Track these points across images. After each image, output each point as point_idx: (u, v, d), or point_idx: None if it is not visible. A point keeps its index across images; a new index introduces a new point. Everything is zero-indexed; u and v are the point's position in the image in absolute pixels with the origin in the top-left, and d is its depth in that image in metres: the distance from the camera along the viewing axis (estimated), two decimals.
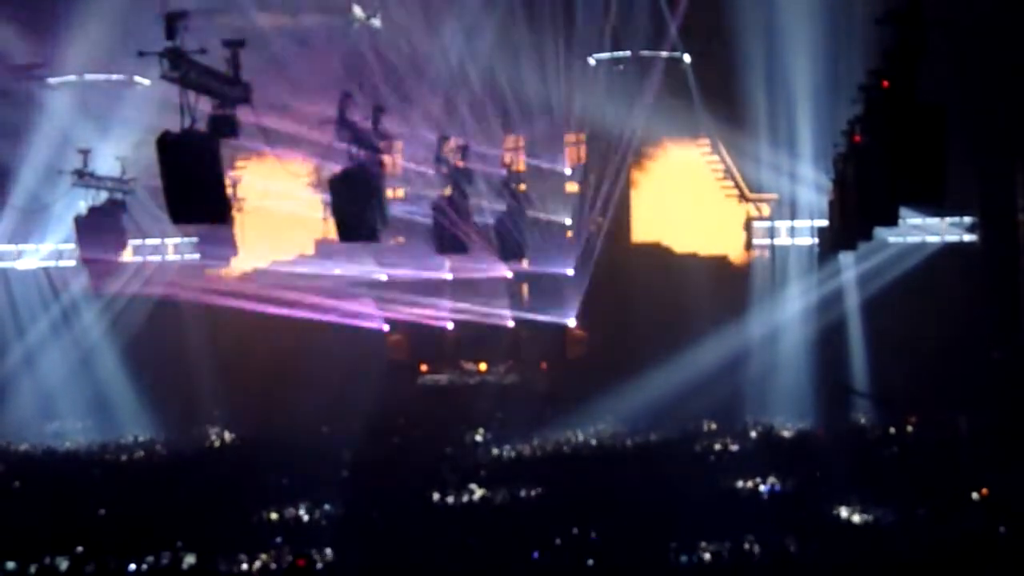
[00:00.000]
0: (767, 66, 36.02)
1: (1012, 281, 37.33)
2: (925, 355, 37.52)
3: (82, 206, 29.98)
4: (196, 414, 39.46)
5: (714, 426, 37.37)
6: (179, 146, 17.39)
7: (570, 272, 39.47)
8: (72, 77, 35.31)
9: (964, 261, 39.77)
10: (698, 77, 38.74)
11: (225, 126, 18.38)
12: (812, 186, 37.40)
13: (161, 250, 41.58)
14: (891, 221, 19.70)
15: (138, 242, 38.62)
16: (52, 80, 35.42)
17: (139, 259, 40.65)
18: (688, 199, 41.98)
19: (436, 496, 29.77)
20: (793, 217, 41.39)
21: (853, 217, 22.50)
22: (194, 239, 37.46)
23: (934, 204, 22.28)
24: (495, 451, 35.37)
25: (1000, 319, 37.79)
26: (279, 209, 37.99)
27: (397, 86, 34.10)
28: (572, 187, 40.84)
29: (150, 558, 24.98)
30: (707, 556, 24.36)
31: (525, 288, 41.75)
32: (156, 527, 26.35)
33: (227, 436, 38.37)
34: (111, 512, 28.38)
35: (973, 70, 33.06)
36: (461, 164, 29.96)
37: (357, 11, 32.23)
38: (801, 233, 41.25)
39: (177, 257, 41.50)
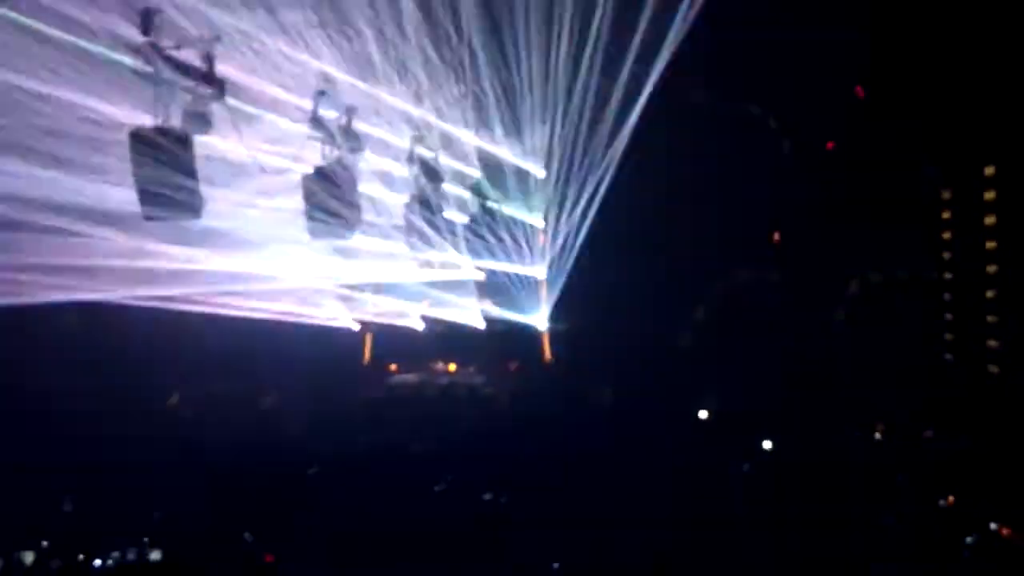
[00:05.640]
0: None
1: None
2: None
3: None
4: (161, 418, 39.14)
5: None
6: (152, 142, 17.20)
7: (542, 275, 39.31)
8: None
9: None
10: None
11: (199, 122, 18.20)
12: None
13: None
14: None
15: None
16: None
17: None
18: None
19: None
20: None
21: None
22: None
23: None
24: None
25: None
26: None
27: (372, 84, 33.82)
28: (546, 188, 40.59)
29: (116, 553, 24.88)
30: None
31: (496, 289, 41.55)
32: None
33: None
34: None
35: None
36: (433, 163, 29.79)
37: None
38: None
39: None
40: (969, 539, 26.84)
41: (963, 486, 29.50)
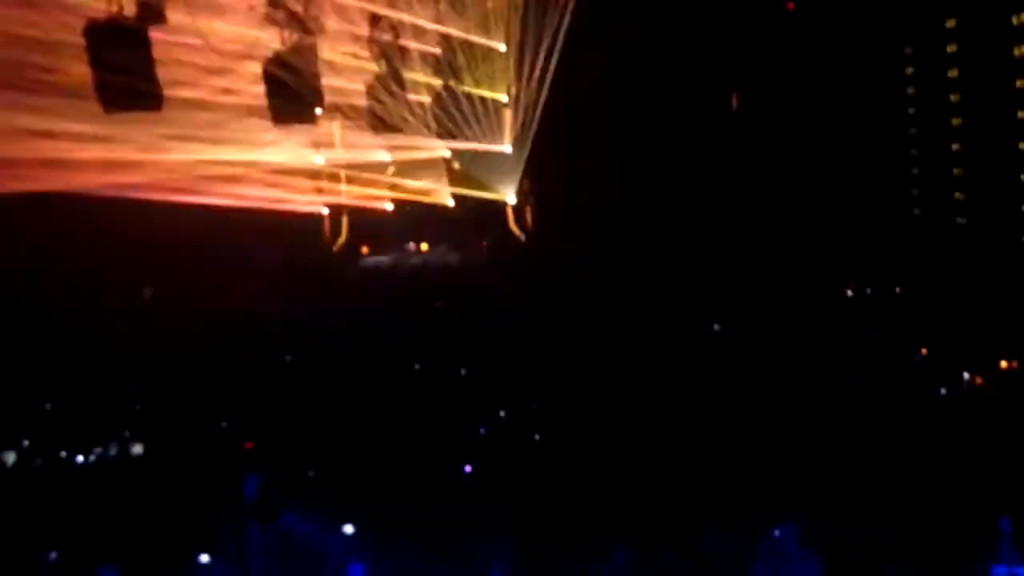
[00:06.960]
0: None
1: None
2: None
3: None
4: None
5: None
6: (106, 34, 17.05)
7: (508, 149, 39.10)
8: None
9: None
10: None
11: (153, 12, 18.00)
12: None
13: None
14: None
15: None
16: None
17: None
18: None
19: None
20: None
21: None
22: None
23: None
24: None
25: None
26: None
27: None
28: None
29: (98, 449, 25.04)
30: None
31: (462, 166, 41.32)
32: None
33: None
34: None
35: None
36: (395, 42, 29.45)
37: None
38: None
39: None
40: (943, 390, 27.23)
41: (935, 338, 29.85)
